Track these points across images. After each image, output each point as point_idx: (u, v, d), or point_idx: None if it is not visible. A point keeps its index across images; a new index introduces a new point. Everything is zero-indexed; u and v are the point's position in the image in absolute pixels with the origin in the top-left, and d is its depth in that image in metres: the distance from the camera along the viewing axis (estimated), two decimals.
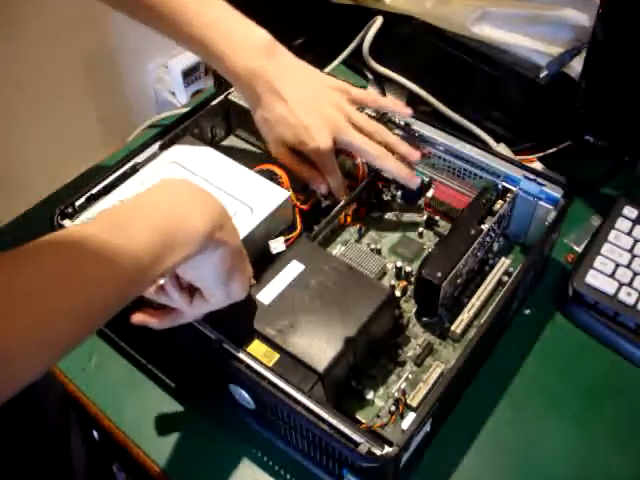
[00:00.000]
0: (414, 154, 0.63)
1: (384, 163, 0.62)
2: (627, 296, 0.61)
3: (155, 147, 0.66)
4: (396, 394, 0.55)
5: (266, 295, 0.54)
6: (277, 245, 0.59)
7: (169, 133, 0.67)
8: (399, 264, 0.63)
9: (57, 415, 0.57)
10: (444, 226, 0.68)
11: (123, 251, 0.37)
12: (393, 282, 0.63)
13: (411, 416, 0.49)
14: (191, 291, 0.48)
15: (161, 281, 0.47)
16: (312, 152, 0.61)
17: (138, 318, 0.50)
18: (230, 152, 0.67)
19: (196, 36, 0.58)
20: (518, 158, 0.74)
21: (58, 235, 0.36)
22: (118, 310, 0.38)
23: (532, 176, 0.63)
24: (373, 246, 0.66)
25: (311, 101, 0.61)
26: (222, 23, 0.59)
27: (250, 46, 0.59)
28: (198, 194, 0.44)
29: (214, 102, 0.72)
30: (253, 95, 0.61)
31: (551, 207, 0.62)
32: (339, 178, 0.63)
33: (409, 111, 0.66)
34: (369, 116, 0.67)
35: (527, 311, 0.65)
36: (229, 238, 0.45)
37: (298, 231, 0.62)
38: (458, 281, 0.59)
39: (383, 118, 0.69)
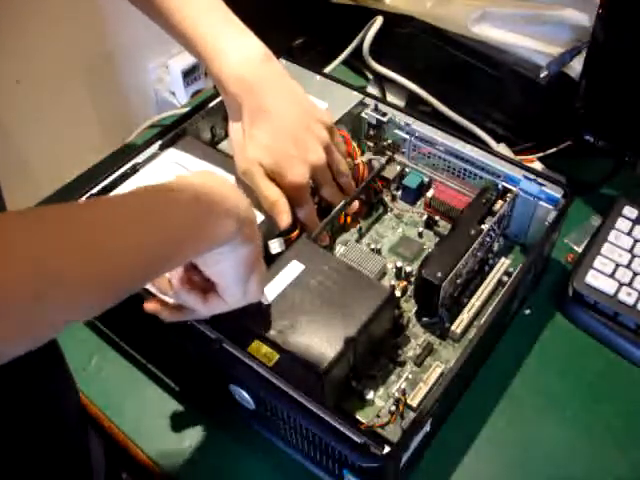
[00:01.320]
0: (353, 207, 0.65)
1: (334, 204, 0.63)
2: (627, 296, 0.61)
3: (155, 147, 0.66)
4: (396, 394, 0.55)
5: (266, 295, 0.54)
6: (277, 245, 0.59)
7: (169, 133, 0.67)
8: (399, 264, 0.63)
9: (76, 417, 0.57)
10: (444, 226, 0.68)
11: (155, 228, 0.38)
12: (393, 282, 0.63)
13: (411, 416, 0.49)
14: (206, 290, 0.47)
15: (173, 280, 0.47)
16: (289, 184, 0.58)
17: (150, 306, 0.49)
18: (230, 152, 0.67)
19: (191, 35, 0.57)
20: (518, 158, 0.74)
21: (102, 199, 0.39)
22: (137, 288, 0.38)
23: (532, 176, 0.63)
24: (373, 246, 0.66)
25: (299, 131, 0.58)
26: (221, 28, 0.58)
27: (245, 55, 0.58)
28: (232, 189, 0.44)
29: (214, 102, 0.72)
30: (238, 106, 0.58)
31: (551, 207, 0.62)
32: (311, 210, 0.60)
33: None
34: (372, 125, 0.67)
35: (527, 311, 0.65)
36: (254, 234, 0.45)
37: (298, 231, 0.62)
38: (458, 281, 0.59)
39: (384, 117, 0.69)
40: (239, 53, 0.57)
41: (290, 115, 0.58)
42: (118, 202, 0.39)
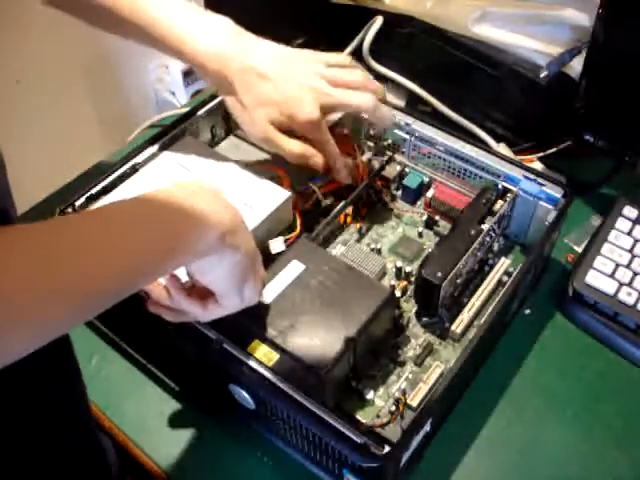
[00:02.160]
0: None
1: (368, 107, 0.61)
2: (627, 296, 0.61)
3: (155, 147, 0.66)
4: (396, 394, 0.55)
5: (266, 295, 0.54)
6: (277, 245, 0.59)
7: (169, 133, 0.67)
8: (399, 264, 0.63)
9: (89, 416, 0.58)
10: (444, 226, 0.68)
11: (131, 242, 0.38)
12: (393, 282, 0.62)
13: (411, 416, 0.49)
14: (204, 295, 0.48)
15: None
16: (304, 124, 0.58)
17: (154, 308, 0.50)
18: (230, 152, 0.67)
19: (158, 31, 0.57)
20: (518, 158, 0.74)
21: (81, 214, 0.39)
22: (117, 300, 0.38)
23: (532, 176, 0.63)
24: (373, 246, 0.66)
25: (292, 74, 0.58)
26: (180, 12, 0.57)
27: (214, 29, 0.57)
28: (212, 198, 0.44)
29: (214, 102, 0.72)
30: (225, 80, 0.58)
31: (551, 207, 0.62)
32: (334, 148, 0.61)
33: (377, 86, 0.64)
34: None
35: (527, 311, 0.65)
36: (242, 243, 0.44)
37: (298, 231, 0.62)
38: (458, 281, 0.59)
39: None
40: (209, 30, 0.57)
41: (276, 64, 0.58)
42: (93, 216, 0.39)
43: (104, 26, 0.60)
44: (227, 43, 0.57)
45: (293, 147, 0.59)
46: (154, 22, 0.56)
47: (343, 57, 0.65)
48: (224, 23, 0.58)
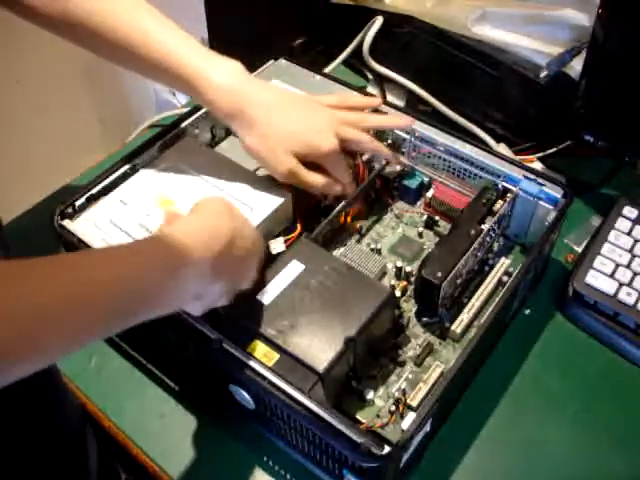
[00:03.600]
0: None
1: (375, 147, 0.64)
2: (627, 296, 0.61)
3: (155, 147, 0.66)
4: (396, 394, 0.55)
5: (266, 295, 0.54)
6: (277, 245, 0.59)
7: (169, 133, 0.67)
8: (399, 264, 0.63)
9: (76, 423, 0.58)
10: (444, 226, 0.68)
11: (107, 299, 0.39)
12: (393, 282, 0.63)
13: (411, 416, 0.49)
14: None
15: None
16: (326, 155, 0.60)
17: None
18: (230, 152, 0.67)
19: (174, 71, 0.57)
20: (518, 158, 0.74)
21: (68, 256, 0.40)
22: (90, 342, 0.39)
23: (532, 176, 0.63)
24: (373, 246, 0.66)
25: (309, 109, 0.61)
26: (194, 51, 0.57)
27: (227, 67, 0.58)
28: (199, 236, 0.46)
29: None
30: (242, 113, 0.58)
31: (551, 207, 0.62)
32: (350, 175, 0.63)
33: (408, 121, 0.67)
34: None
35: (527, 311, 0.65)
36: (229, 270, 0.47)
37: (298, 231, 0.62)
38: (458, 281, 0.59)
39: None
40: (222, 68, 0.58)
41: (293, 100, 0.61)
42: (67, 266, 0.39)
43: (119, 61, 0.60)
44: (241, 80, 0.58)
45: (318, 180, 0.61)
46: (168, 58, 0.57)
47: (353, 100, 0.67)
48: (236, 64, 0.59)
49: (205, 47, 0.59)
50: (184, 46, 0.57)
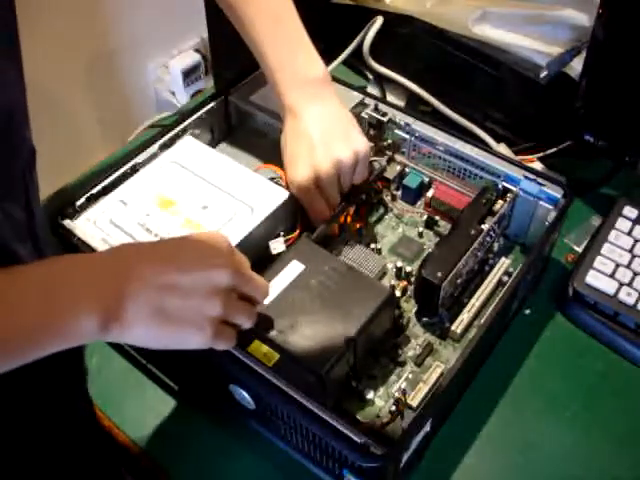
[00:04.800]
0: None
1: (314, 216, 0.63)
2: (627, 296, 0.61)
3: (155, 147, 0.66)
4: (396, 394, 0.55)
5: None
6: (277, 245, 0.59)
7: (169, 133, 0.67)
8: (399, 264, 0.63)
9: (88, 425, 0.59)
10: (444, 226, 0.68)
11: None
12: (393, 282, 0.63)
13: (411, 416, 0.49)
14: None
15: None
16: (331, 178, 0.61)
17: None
18: (230, 152, 0.67)
19: (264, 52, 0.61)
20: (518, 158, 0.74)
21: None
22: None
23: (532, 176, 0.63)
24: (373, 246, 0.66)
25: (326, 135, 0.60)
26: (289, 55, 0.61)
27: (306, 74, 0.61)
28: (101, 273, 0.41)
29: (214, 102, 0.72)
30: (295, 117, 0.61)
31: (551, 207, 0.62)
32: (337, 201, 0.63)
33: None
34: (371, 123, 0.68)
35: (527, 311, 0.65)
36: (138, 315, 0.40)
37: (298, 231, 0.62)
38: (458, 281, 0.59)
39: (384, 117, 0.69)
40: (301, 71, 0.61)
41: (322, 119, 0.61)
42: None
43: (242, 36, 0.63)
44: (307, 90, 0.61)
45: (323, 208, 0.62)
46: (256, 43, 0.61)
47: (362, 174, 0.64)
48: (317, 70, 0.62)
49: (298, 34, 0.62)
50: (271, 36, 0.61)
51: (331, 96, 0.62)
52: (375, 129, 0.71)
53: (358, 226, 0.67)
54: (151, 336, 0.42)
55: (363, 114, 0.71)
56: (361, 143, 0.61)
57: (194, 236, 0.46)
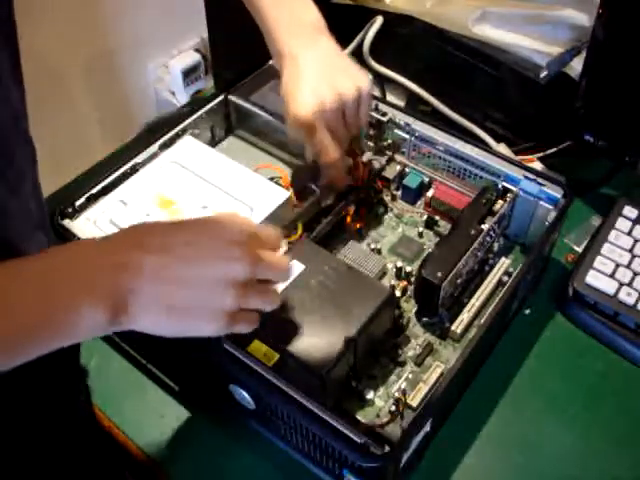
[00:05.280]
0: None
1: (326, 161, 0.61)
2: (627, 296, 0.61)
3: (155, 147, 0.66)
4: (396, 394, 0.55)
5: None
6: None
7: (169, 133, 0.67)
8: (399, 264, 0.63)
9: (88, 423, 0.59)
10: (444, 226, 0.68)
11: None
12: (393, 282, 0.62)
13: (411, 416, 0.49)
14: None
15: None
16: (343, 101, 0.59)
17: None
18: (230, 152, 0.67)
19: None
20: (518, 158, 0.74)
21: None
22: None
23: (532, 176, 0.63)
24: (373, 246, 0.66)
25: (328, 74, 0.59)
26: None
27: (300, 23, 0.60)
28: (104, 269, 0.39)
29: (214, 102, 0.72)
30: (292, 63, 0.60)
31: (551, 207, 0.62)
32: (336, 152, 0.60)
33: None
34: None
35: (527, 311, 0.65)
36: (144, 307, 0.39)
37: (299, 232, 0.62)
38: (458, 281, 0.59)
39: (384, 117, 0.69)
40: (297, 17, 0.60)
41: (321, 61, 0.60)
42: None
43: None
44: (302, 33, 0.60)
45: (332, 147, 0.59)
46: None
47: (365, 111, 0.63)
48: (310, 19, 0.61)
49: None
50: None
51: (328, 40, 0.61)
52: (375, 129, 0.71)
53: (358, 226, 0.67)
54: (162, 326, 0.41)
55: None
56: (364, 79, 0.60)
57: (212, 220, 0.43)
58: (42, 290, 0.37)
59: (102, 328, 0.39)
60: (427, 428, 0.50)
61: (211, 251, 0.41)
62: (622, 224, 0.66)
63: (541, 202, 0.62)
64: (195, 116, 0.70)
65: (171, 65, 1.15)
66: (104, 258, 0.39)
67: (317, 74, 0.59)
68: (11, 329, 0.36)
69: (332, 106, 0.58)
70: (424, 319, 0.60)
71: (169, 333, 0.42)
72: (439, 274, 0.55)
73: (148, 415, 0.59)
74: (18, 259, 0.38)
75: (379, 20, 0.83)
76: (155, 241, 0.41)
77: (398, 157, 0.72)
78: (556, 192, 0.62)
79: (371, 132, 0.72)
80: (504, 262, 0.62)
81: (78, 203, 0.61)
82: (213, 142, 0.73)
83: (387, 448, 0.45)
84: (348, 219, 0.67)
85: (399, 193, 0.71)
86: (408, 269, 0.63)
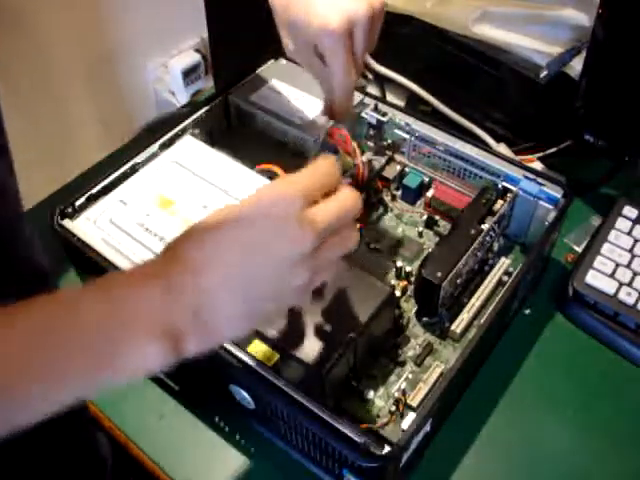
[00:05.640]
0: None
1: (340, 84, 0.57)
2: (627, 296, 0.61)
3: (155, 147, 0.66)
4: (396, 394, 0.55)
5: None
6: None
7: (169, 133, 0.67)
8: (399, 264, 0.63)
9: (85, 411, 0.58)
10: (444, 226, 0.68)
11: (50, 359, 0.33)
12: (393, 282, 0.62)
13: (411, 416, 0.49)
14: None
15: None
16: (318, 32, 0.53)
17: None
18: (230, 152, 0.67)
19: None
20: (518, 158, 0.74)
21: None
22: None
23: (532, 176, 0.63)
24: (373, 246, 0.66)
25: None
26: None
27: None
28: (160, 296, 0.36)
29: (214, 102, 0.72)
30: None
31: (551, 207, 0.62)
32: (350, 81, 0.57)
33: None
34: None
35: (527, 311, 0.65)
36: (205, 331, 0.39)
37: None
38: (458, 281, 0.59)
39: (384, 117, 0.69)
40: None
41: None
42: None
43: None
44: None
45: (346, 55, 0.55)
46: None
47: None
48: None
49: None
50: None
51: None
52: (375, 129, 0.71)
53: (358, 226, 0.67)
54: (245, 329, 0.40)
55: (363, 114, 0.71)
56: None
57: (257, 212, 0.39)
58: (103, 337, 0.35)
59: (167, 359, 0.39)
60: (427, 428, 0.50)
61: (267, 251, 0.38)
62: (622, 224, 0.66)
63: (541, 202, 0.62)
64: (195, 116, 0.70)
65: (171, 65, 1.15)
66: (157, 283, 0.37)
67: None
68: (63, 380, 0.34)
69: (365, 13, 0.53)
70: (424, 319, 0.60)
71: (257, 327, 0.43)
72: (439, 274, 0.55)
73: (148, 415, 0.58)
74: (73, 299, 0.36)
75: None
76: (207, 255, 0.38)
77: (398, 157, 0.72)
78: (556, 192, 0.62)
79: (371, 132, 0.72)
80: (504, 262, 0.62)
81: (78, 203, 0.61)
82: (213, 142, 0.73)
83: (387, 448, 0.45)
84: None
85: (399, 193, 0.71)
86: (408, 269, 0.63)
